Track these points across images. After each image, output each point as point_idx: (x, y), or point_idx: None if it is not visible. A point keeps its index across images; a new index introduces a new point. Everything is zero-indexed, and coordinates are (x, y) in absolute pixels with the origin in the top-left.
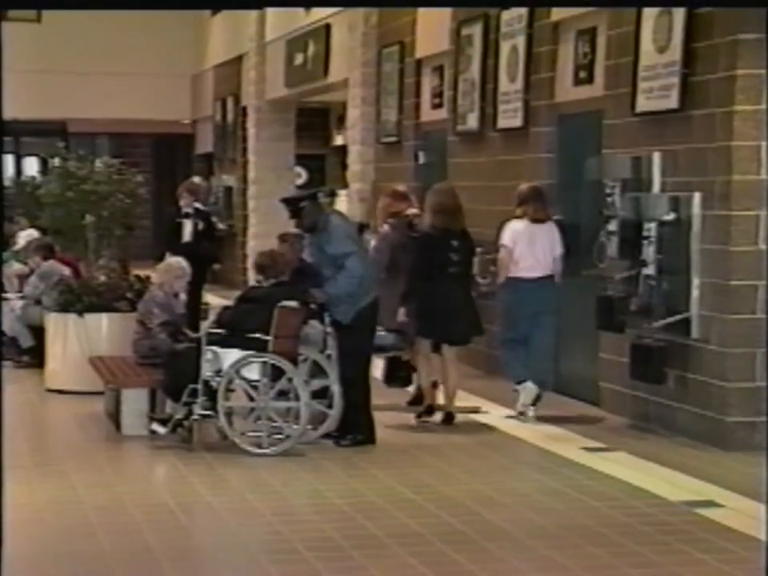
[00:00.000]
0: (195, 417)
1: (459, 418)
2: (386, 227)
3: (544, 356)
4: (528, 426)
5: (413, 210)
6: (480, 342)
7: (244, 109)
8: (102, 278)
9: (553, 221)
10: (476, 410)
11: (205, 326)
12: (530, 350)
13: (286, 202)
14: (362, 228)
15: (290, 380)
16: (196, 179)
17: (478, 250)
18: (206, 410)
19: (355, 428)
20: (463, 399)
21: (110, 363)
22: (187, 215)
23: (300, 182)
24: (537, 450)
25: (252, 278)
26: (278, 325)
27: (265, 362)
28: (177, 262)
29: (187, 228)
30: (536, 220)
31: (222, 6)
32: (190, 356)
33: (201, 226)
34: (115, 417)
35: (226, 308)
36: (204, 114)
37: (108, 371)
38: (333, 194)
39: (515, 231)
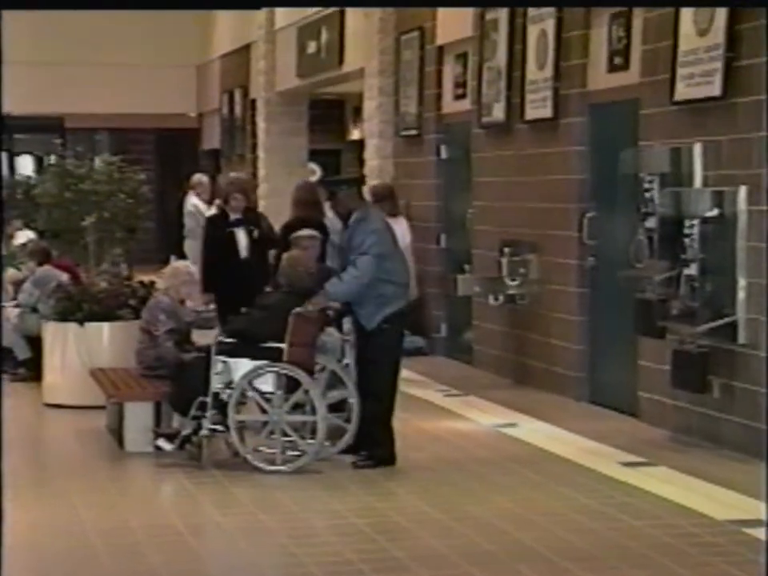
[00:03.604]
0: (204, 432)
1: (486, 430)
2: None
3: None
4: (561, 439)
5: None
6: (509, 348)
7: (253, 101)
8: (103, 284)
9: (403, 215)
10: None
11: (214, 334)
12: None
13: (324, 184)
14: None
15: (306, 392)
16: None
17: (506, 250)
18: (215, 424)
19: (374, 445)
20: (491, 411)
21: (112, 375)
22: (238, 222)
23: (314, 179)
24: (571, 465)
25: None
26: (293, 333)
27: (280, 373)
28: (184, 266)
29: (241, 240)
30: (391, 215)
31: (221, 6)
32: (199, 367)
33: (256, 233)
34: (118, 432)
35: (236, 316)
36: (210, 107)
37: (110, 384)
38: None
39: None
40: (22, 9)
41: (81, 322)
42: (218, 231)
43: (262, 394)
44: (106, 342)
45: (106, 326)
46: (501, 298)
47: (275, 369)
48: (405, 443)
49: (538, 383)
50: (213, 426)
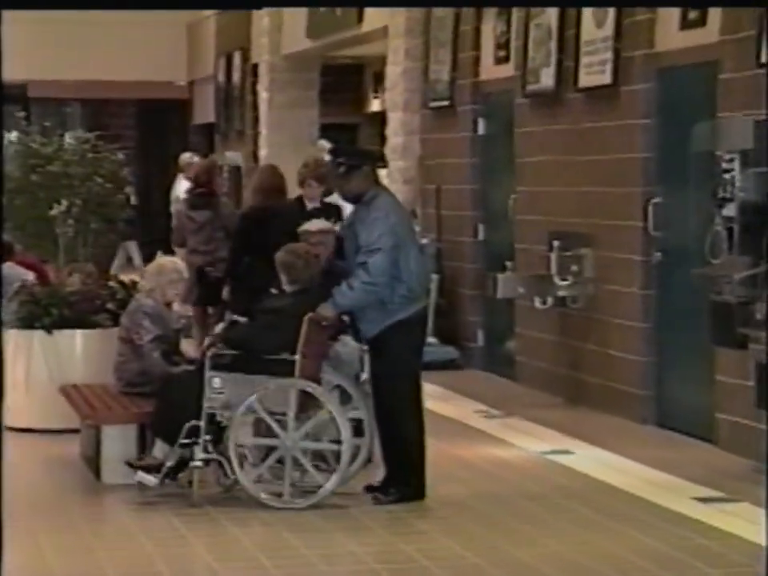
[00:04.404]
0: (197, 462)
1: (533, 458)
2: None
3: None
4: (622, 469)
5: None
6: (560, 360)
7: (254, 67)
8: (76, 285)
9: None
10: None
11: (205, 344)
12: None
13: (336, 153)
14: None
15: (330, 414)
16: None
17: (556, 244)
18: (210, 452)
19: (398, 479)
20: (538, 435)
21: (86, 393)
22: (317, 213)
23: (327, 159)
24: (635, 501)
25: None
26: (307, 342)
27: (300, 391)
28: (171, 262)
29: None
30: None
31: (221, 6)
32: (190, 383)
33: (336, 227)
34: (94, 461)
35: (232, 323)
36: (203, 73)
37: (85, 403)
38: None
39: None
40: (22, 9)
41: (49, 330)
42: (287, 224)
43: (272, 415)
44: (79, 353)
45: (79, 335)
46: (549, 300)
47: (290, 385)
48: (435, 474)
49: (594, 402)
50: (206, 456)
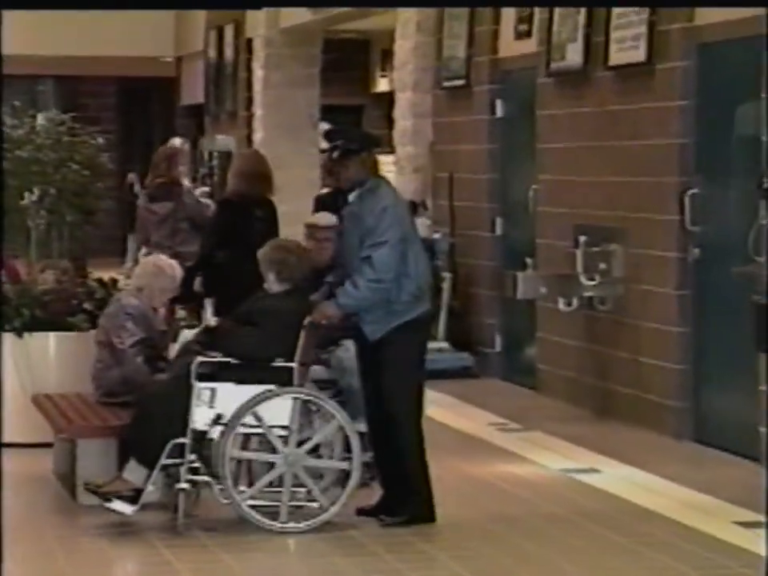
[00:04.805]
0: (183, 485)
1: (556, 477)
2: None
3: None
4: (656, 489)
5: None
6: (586, 368)
7: (249, 41)
8: (50, 283)
9: None
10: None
11: (176, 346)
12: None
13: (331, 136)
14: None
15: (341, 429)
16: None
17: (582, 239)
18: (196, 473)
19: (405, 503)
20: (561, 451)
21: (61, 403)
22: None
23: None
24: (670, 525)
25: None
26: (305, 350)
27: (303, 401)
28: (170, 267)
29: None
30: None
31: (221, 6)
32: (173, 395)
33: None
34: (70, 479)
35: (208, 328)
36: (192, 48)
37: (59, 414)
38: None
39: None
40: (22, 9)
41: (19, 333)
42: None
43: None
44: (52, 358)
45: (52, 338)
46: (574, 301)
47: (292, 394)
48: (446, 494)
49: (624, 415)
50: (195, 477)
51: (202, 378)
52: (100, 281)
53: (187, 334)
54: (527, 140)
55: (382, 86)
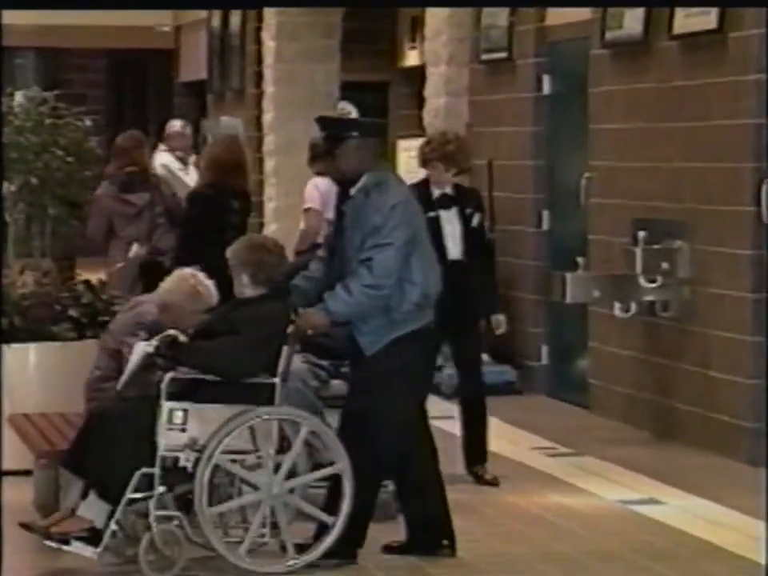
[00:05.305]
0: (153, 523)
1: (612, 508)
2: None
3: None
4: (727, 523)
5: None
6: (646, 384)
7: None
8: (30, 286)
9: None
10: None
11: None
12: None
13: (323, 123)
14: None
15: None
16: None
17: (641, 235)
18: (167, 508)
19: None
20: (618, 479)
21: (42, 424)
22: (446, 201)
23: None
24: (740, 562)
25: None
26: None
27: (296, 425)
28: (207, 288)
29: (451, 229)
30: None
31: (221, 6)
32: (142, 415)
33: (476, 219)
34: (52, 512)
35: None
36: (193, 17)
37: (40, 437)
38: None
39: (324, 192)
40: (22, 9)
41: None
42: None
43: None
44: (32, 372)
45: (32, 349)
46: (633, 306)
47: (280, 416)
48: (488, 529)
49: (690, 438)
50: (167, 512)
51: (174, 396)
52: (87, 283)
53: (144, 347)
54: (578, 121)
55: (412, 59)
